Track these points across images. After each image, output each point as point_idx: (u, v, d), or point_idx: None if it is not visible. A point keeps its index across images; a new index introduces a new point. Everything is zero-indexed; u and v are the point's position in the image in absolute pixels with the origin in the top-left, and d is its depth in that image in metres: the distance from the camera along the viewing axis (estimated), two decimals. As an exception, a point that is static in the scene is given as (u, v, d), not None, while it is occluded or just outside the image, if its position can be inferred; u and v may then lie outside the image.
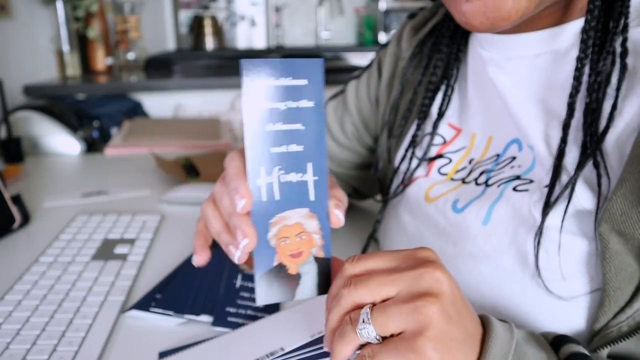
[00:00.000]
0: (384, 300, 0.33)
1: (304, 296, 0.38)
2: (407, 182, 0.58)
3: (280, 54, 3.29)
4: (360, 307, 0.34)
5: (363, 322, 0.32)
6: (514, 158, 0.49)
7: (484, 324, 0.35)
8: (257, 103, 0.35)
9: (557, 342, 0.37)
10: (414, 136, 0.58)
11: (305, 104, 0.35)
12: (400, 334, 0.32)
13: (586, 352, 0.36)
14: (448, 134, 0.57)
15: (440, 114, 0.57)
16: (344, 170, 0.76)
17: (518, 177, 0.48)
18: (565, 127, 0.44)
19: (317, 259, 0.38)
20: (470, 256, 0.48)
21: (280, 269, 0.38)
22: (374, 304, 0.33)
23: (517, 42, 0.49)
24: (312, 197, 0.37)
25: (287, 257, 0.38)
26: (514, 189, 0.47)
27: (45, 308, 0.54)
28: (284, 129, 0.35)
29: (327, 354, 0.47)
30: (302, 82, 0.35)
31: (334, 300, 0.35)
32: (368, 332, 0.32)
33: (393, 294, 0.33)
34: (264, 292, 0.38)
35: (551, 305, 0.43)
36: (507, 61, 0.50)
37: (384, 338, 0.33)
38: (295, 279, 0.38)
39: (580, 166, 0.42)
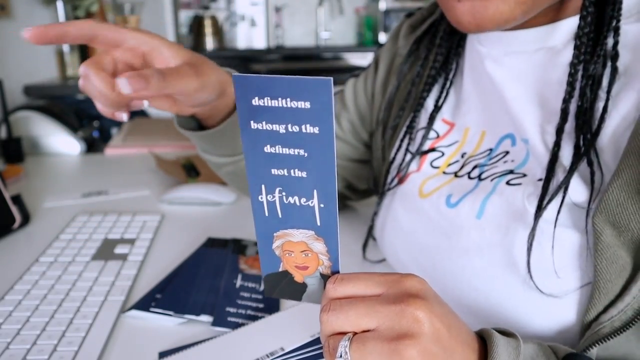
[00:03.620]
0: (364, 330, 0.33)
1: (310, 301, 0.38)
2: (402, 175, 0.58)
3: (280, 54, 3.29)
4: (340, 333, 0.33)
5: (341, 356, 0.32)
6: (507, 153, 0.50)
7: (487, 345, 0.34)
8: (253, 122, 0.32)
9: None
10: (409, 127, 0.59)
11: (309, 129, 0.31)
12: None
13: None
14: (441, 129, 0.57)
15: (437, 107, 0.58)
16: (338, 161, 0.76)
17: (511, 171, 0.48)
18: (559, 131, 0.45)
19: (323, 275, 0.37)
20: (464, 250, 0.48)
21: (287, 275, 0.38)
22: (354, 332, 0.33)
23: (514, 39, 0.50)
24: (318, 222, 0.34)
25: (292, 267, 0.37)
26: (507, 182, 0.48)
27: (45, 308, 0.54)
28: (284, 153, 0.32)
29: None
30: (304, 104, 0.30)
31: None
32: None
33: (373, 327, 0.32)
34: (271, 289, 0.38)
35: (543, 298, 0.43)
36: (504, 56, 0.52)
37: None
38: (302, 285, 0.38)
39: (573, 167, 0.43)
